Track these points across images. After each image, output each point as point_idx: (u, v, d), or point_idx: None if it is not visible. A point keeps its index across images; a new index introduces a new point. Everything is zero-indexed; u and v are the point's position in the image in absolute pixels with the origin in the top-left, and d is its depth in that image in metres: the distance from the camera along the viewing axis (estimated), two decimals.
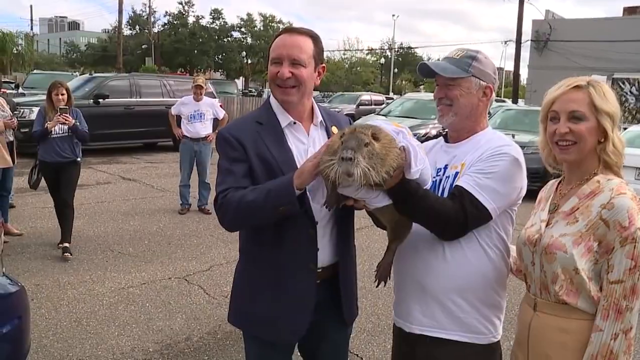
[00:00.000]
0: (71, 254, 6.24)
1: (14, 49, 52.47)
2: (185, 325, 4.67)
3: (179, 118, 9.07)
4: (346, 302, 2.33)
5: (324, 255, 2.22)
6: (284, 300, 2.18)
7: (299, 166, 2.14)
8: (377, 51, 69.61)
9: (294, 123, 2.24)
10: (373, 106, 24.25)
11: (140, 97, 15.23)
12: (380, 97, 28.13)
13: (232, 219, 2.15)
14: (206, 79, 10.67)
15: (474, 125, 2.22)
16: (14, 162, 7.15)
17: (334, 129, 2.30)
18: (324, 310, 2.26)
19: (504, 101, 29.18)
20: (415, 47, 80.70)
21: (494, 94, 2.23)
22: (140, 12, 59.99)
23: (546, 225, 2.00)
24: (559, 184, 2.11)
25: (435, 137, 13.49)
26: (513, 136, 11.09)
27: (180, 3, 60.77)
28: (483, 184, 2.05)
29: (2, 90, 21.34)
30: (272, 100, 2.28)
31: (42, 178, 6.81)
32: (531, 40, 34.33)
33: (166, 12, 62.59)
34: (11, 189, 7.30)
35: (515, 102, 27.60)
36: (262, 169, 2.16)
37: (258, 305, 2.23)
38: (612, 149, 1.91)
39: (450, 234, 2.07)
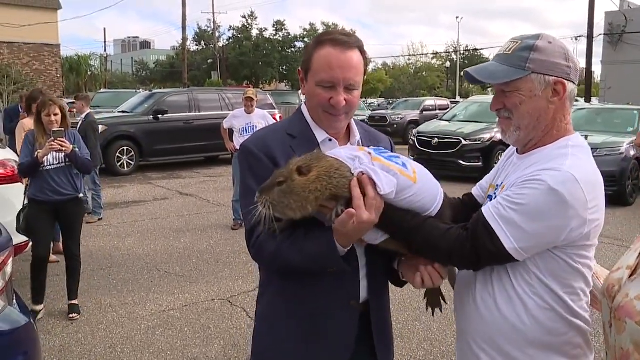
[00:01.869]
0: (79, 314, 5.12)
1: (88, 70, 54.92)
2: (221, 353, 4.39)
3: (231, 131, 8.89)
4: (380, 346, 1.96)
5: (363, 290, 1.87)
6: (319, 347, 1.84)
7: None
8: (442, 55, 68.39)
9: (330, 140, 1.92)
10: (437, 111, 23.55)
11: (199, 112, 15.30)
12: (444, 102, 27.34)
13: (267, 267, 1.92)
14: (268, 91, 10.53)
15: (543, 137, 1.69)
16: None
17: None
18: (357, 351, 1.88)
19: (576, 100, 27.76)
20: (481, 49, 78.71)
21: (569, 88, 1.67)
22: (206, 28, 61.29)
23: (630, 275, 1.44)
24: None
25: (501, 141, 12.79)
26: (586, 137, 10.38)
27: (244, 17, 61.66)
28: (507, 216, 1.57)
29: (70, 109, 22.13)
30: (306, 111, 1.96)
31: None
32: (604, 34, 32.69)
33: (230, 27, 63.56)
34: None
35: (588, 100, 26.23)
36: None
37: (287, 355, 1.88)
38: None
39: (459, 265, 1.70)
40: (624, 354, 1.38)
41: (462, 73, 1.85)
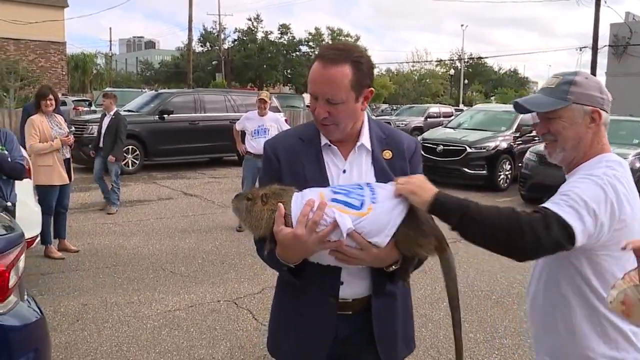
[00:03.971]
0: None
1: (94, 69, 54.95)
2: (228, 354, 4.38)
3: (243, 133, 8.88)
4: (384, 340, 2.07)
5: (353, 288, 2.02)
6: (305, 331, 2.06)
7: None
8: (446, 62, 68.44)
9: (329, 145, 2.07)
10: (441, 118, 23.59)
11: (204, 112, 15.31)
12: (449, 109, 27.39)
13: None
14: (272, 93, 10.66)
15: (583, 156, 1.96)
16: (70, 180, 7.12)
17: (386, 154, 2.08)
18: (356, 344, 2.07)
19: None
20: (486, 57, 78.88)
21: (604, 116, 1.95)
22: (211, 30, 61.37)
23: None
24: None
25: (506, 150, 12.69)
26: None
27: (249, 19, 61.76)
28: (565, 203, 1.75)
29: (75, 107, 22.15)
30: None
31: None
32: (609, 45, 32.68)
33: (236, 29, 63.66)
34: (68, 205, 7.27)
35: None
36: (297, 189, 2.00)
37: (283, 335, 2.15)
38: None
39: (513, 251, 1.76)
40: None
41: (512, 103, 2.06)
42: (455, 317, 1.99)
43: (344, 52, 1.94)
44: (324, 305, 2.01)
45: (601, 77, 35.93)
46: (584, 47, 34.92)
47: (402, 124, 23.52)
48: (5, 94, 19.58)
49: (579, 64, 61.89)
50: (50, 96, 6.77)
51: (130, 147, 13.81)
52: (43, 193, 6.78)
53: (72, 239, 7.46)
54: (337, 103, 1.94)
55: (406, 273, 1.96)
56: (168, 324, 4.91)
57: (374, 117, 27.03)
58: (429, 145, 13.45)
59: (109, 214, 9.29)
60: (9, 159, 4.40)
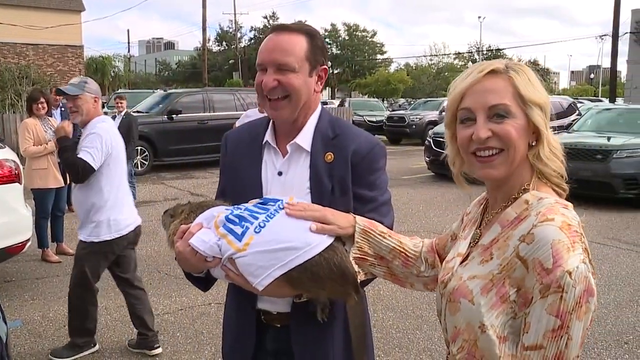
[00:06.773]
0: None
1: (112, 71, 55.45)
2: None
3: None
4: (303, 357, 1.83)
5: (273, 302, 1.83)
6: (232, 339, 1.98)
7: (264, 194, 1.81)
8: (464, 55, 67.70)
9: (269, 144, 1.88)
10: None
11: (213, 112, 15.24)
12: None
13: None
14: None
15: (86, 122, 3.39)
16: (65, 183, 7.06)
17: (328, 157, 1.81)
18: (288, 359, 1.86)
19: (600, 100, 27.13)
20: (504, 48, 77.92)
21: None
22: (227, 29, 61.63)
23: (461, 262, 1.47)
24: (486, 204, 1.56)
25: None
26: (608, 139, 9.94)
27: (265, 17, 61.93)
28: None
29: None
30: None
31: None
32: (630, 32, 31.97)
33: (252, 27, 63.96)
34: (65, 208, 7.22)
35: (612, 101, 25.67)
36: (232, 188, 1.92)
37: (224, 341, 2.05)
38: (548, 152, 1.38)
39: None
40: (455, 332, 1.40)
41: None
42: None
43: (298, 24, 1.85)
44: (245, 315, 1.90)
45: (622, 64, 35.28)
46: (605, 35, 34.19)
47: (417, 118, 23.22)
48: (17, 98, 19.76)
49: (601, 52, 60.76)
50: (42, 99, 6.72)
51: (139, 147, 13.79)
52: (39, 196, 6.74)
53: (72, 242, 7.38)
54: (289, 70, 1.74)
55: (316, 308, 1.74)
56: (154, 328, 4.79)
57: (388, 112, 26.73)
58: (440, 139, 13.24)
59: None
60: None
